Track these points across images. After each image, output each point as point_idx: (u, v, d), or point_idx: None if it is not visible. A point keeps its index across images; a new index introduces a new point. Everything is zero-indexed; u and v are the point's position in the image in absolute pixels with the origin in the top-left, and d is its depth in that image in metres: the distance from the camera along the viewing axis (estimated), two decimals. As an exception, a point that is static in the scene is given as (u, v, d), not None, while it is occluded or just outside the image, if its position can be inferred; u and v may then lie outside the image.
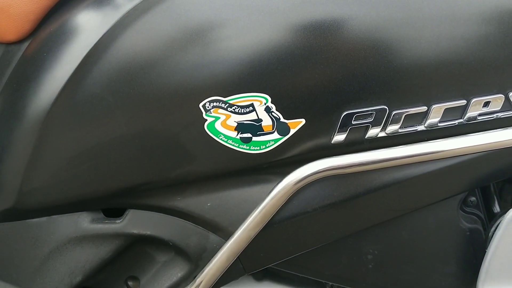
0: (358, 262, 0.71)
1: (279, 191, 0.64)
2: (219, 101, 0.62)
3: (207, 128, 0.63)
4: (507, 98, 0.62)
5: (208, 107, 0.63)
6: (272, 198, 0.64)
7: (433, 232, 0.70)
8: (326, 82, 0.61)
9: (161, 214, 0.70)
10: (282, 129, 0.64)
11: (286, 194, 0.64)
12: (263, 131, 0.64)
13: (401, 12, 0.60)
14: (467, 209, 0.72)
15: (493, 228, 0.67)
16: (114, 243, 0.71)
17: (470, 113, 0.62)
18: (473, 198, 0.73)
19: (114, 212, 0.73)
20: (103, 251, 0.71)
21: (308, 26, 0.60)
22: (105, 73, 0.63)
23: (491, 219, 0.73)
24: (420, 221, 0.69)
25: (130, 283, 0.74)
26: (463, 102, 0.62)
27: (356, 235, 0.70)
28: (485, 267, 0.66)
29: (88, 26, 0.65)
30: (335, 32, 0.60)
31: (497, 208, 0.77)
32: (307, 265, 0.72)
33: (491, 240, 0.65)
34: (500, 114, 0.63)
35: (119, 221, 0.71)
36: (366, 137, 0.63)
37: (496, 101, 0.62)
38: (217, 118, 0.63)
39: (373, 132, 0.63)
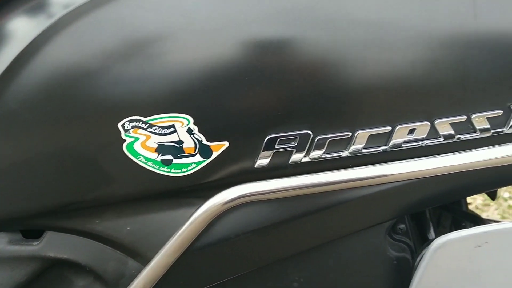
0: (283, 290, 0.69)
1: (197, 217, 0.62)
2: (138, 121, 0.60)
3: (126, 149, 0.61)
4: (432, 125, 0.61)
5: (127, 127, 0.60)
6: (191, 224, 0.62)
7: (360, 260, 0.68)
8: (250, 105, 0.60)
9: (80, 237, 0.67)
10: (205, 151, 0.62)
11: (205, 220, 0.62)
12: (185, 153, 0.62)
13: (327, 36, 0.59)
14: (396, 237, 0.71)
15: (418, 258, 0.66)
16: (31, 266, 0.67)
17: (395, 140, 0.61)
18: (402, 226, 0.71)
19: (35, 233, 0.70)
20: (18, 274, 0.68)
21: (231, 47, 0.58)
22: (22, 88, 0.60)
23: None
24: (347, 248, 0.68)
25: (45, 309, 0.71)
26: (388, 128, 0.61)
27: (282, 262, 0.68)
28: (411, 297, 0.65)
29: (11, 38, 0.62)
30: (259, 54, 0.58)
31: (432, 235, 0.77)
32: (231, 293, 0.70)
33: (416, 270, 0.64)
34: (425, 142, 0.62)
35: (36, 243, 0.68)
36: (290, 162, 0.61)
37: (422, 128, 0.61)
38: (136, 139, 0.61)
39: (296, 157, 0.61)
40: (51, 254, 0.67)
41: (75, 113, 0.60)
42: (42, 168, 0.62)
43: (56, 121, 0.60)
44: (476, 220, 0.76)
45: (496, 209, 2.16)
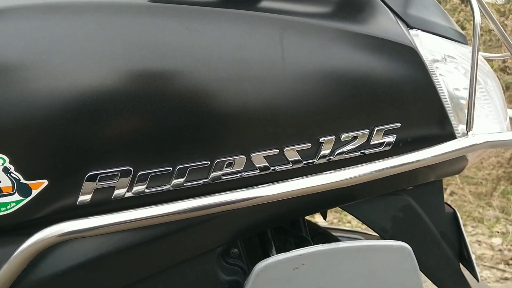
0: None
1: (17, 255, 0.60)
2: (-50, 161, 0.59)
3: None
4: (248, 158, 0.65)
5: None
6: (11, 263, 0.61)
7: (192, 286, 0.71)
8: (68, 143, 0.60)
9: None
10: (23, 190, 0.61)
11: (26, 259, 0.61)
12: (3, 192, 0.61)
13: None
14: (230, 261, 0.74)
15: (246, 282, 0.69)
16: None
17: (215, 173, 0.64)
18: (235, 250, 0.75)
19: None
20: None
21: (46, 86, 0.59)
22: None
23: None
24: (179, 276, 0.70)
25: None
26: (207, 162, 0.64)
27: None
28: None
29: None
30: (72, 94, 0.59)
31: (273, 254, 0.81)
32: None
33: (242, 294, 0.68)
34: (243, 174, 0.66)
35: None
36: (113, 197, 0.63)
37: (239, 161, 0.65)
38: (-51, 180, 0.59)
39: (119, 192, 0.62)
40: None
41: None
42: None
43: None
44: (304, 241, 0.81)
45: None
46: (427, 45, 0.72)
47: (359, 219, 0.79)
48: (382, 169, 0.68)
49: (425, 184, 0.81)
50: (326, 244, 0.68)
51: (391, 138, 0.70)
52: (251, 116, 0.64)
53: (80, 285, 0.66)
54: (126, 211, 0.62)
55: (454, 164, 0.80)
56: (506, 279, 2.27)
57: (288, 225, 0.89)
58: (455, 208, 0.87)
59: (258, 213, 0.69)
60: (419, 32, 0.74)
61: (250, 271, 0.75)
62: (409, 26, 0.74)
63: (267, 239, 0.83)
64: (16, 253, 0.61)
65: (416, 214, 0.81)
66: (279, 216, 0.72)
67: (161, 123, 0.62)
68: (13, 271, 0.61)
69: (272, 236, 0.83)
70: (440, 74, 0.72)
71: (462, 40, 0.81)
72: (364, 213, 0.79)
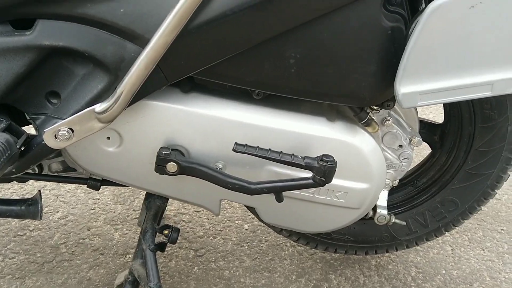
0: (280, 67, 0.70)
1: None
2: None
3: None
4: None
5: None
6: (186, 1, 0.60)
7: (355, 32, 0.68)
8: None
9: (73, 23, 0.66)
10: None
11: (200, -4, 0.60)
12: None
13: None
14: (391, 8, 0.70)
15: (413, 25, 0.66)
16: (27, 56, 0.67)
17: None
18: (398, -5, 0.70)
19: (23, 25, 0.68)
20: (16, 65, 0.67)
21: None
22: None
23: (415, 18, 0.72)
24: (342, 21, 0.67)
25: (51, 98, 0.72)
26: None
27: (278, 40, 0.68)
28: (403, 64, 0.66)
29: None
30: None
31: (423, 6, 0.76)
32: (230, 73, 0.71)
33: (411, 36, 0.65)
34: None
35: (28, 32, 0.67)
36: None
37: None
38: None
39: None
40: (46, 42, 0.66)
41: None
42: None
43: None
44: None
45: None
46: None
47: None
48: None
49: None
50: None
51: None
52: None
53: (247, 25, 0.65)
54: None
55: None
56: None
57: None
58: None
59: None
60: None
61: (409, 19, 0.72)
62: None
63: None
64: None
65: None
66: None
67: None
68: (189, 8, 0.61)
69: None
70: None
71: None
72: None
